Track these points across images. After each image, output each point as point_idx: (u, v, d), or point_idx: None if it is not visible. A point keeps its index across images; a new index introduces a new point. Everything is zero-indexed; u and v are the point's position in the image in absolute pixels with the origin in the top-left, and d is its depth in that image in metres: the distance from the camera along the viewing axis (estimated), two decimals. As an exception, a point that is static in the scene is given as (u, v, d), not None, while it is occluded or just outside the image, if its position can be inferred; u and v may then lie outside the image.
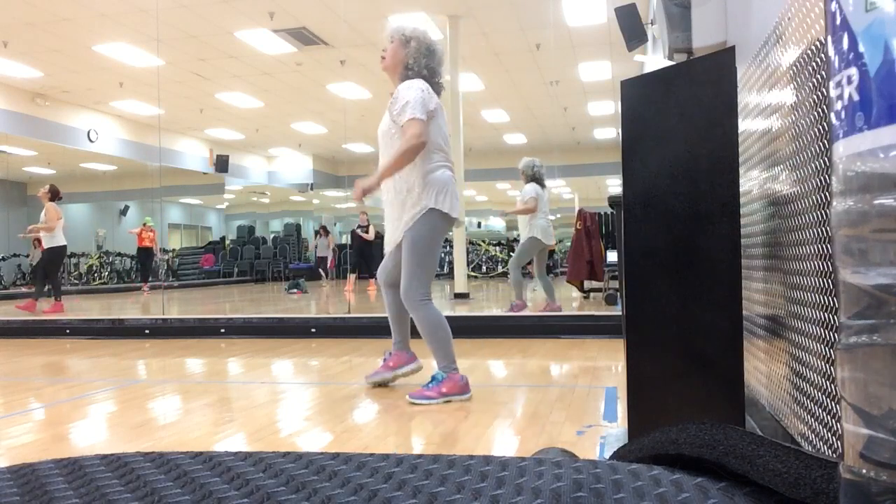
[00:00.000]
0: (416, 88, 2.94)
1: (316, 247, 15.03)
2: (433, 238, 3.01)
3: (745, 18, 2.12)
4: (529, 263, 7.09)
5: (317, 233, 15.17)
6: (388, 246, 3.14)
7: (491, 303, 8.58)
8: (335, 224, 17.82)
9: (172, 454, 0.37)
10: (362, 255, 12.33)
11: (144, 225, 13.31)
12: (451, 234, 13.95)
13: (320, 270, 14.56)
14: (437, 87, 3.08)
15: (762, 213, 1.85)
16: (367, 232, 11.87)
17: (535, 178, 6.43)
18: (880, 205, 0.22)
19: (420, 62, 3.03)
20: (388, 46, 3.08)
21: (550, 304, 6.44)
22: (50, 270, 8.11)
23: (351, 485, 0.31)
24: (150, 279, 13.49)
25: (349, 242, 13.58)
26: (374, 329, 5.31)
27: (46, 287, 8.12)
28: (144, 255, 13.33)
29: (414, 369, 3.31)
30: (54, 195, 8.13)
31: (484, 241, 16.82)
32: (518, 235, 9.40)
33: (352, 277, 12.25)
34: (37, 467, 0.36)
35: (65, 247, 8.22)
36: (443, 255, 17.60)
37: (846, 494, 0.24)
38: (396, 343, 3.30)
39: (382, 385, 3.31)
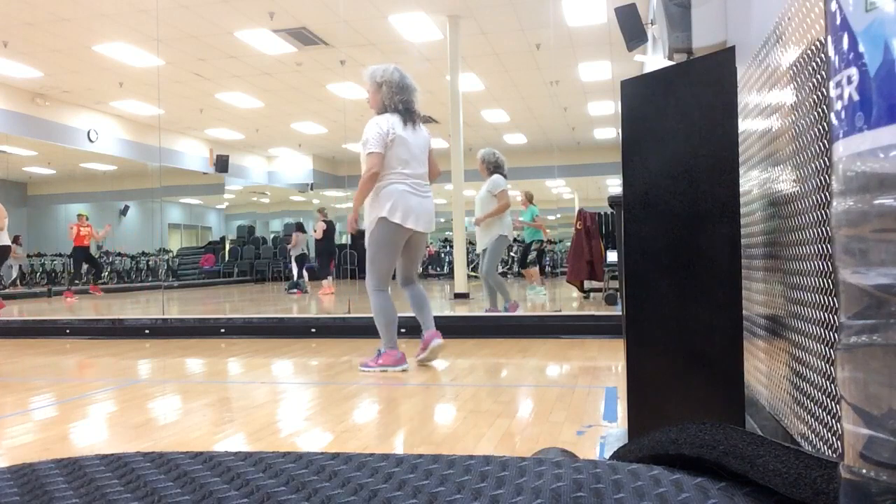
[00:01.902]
0: (374, 125, 3.63)
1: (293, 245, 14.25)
2: (381, 241, 3.68)
3: (745, 18, 2.12)
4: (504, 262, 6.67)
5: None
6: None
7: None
8: (335, 224, 17.77)
9: (172, 454, 0.37)
10: (321, 255, 11.69)
11: (79, 217, 11.44)
12: (449, 234, 13.96)
13: (293, 269, 13.77)
14: (411, 116, 3.73)
15: (762, 213, 1.85)
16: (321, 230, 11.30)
17: (498, 167, 5.92)
18: (880, 205, 0.22)
19: (394, 100, 3.67)
20: (368, 90, 3.74)
21: (493, 308, 6.06)
22: None
23: (351, 485, 0.31)
24: (77, 283, 11.87)
25: (348, 242, 13.26)
26: (374, 329, 5.30)
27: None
28: (80, 254, 11.46)
29: (438, 345, 3.92)
30: None
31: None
32: (519, 236, 9.13)
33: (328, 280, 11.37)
34: (37, 467, 0.36)
35: (9, 247, 7.80)
36: (443, 255, 17.64)
37: (846, 494, 0.24)
38: (423, 326, 3.93)
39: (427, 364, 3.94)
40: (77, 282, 11.96)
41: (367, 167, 3.60)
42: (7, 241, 7.71)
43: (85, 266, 12.16)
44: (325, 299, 9.81)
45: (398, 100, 3.68)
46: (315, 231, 11.48)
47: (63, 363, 4.55)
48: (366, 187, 3.64)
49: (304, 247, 13.35)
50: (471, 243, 15.44)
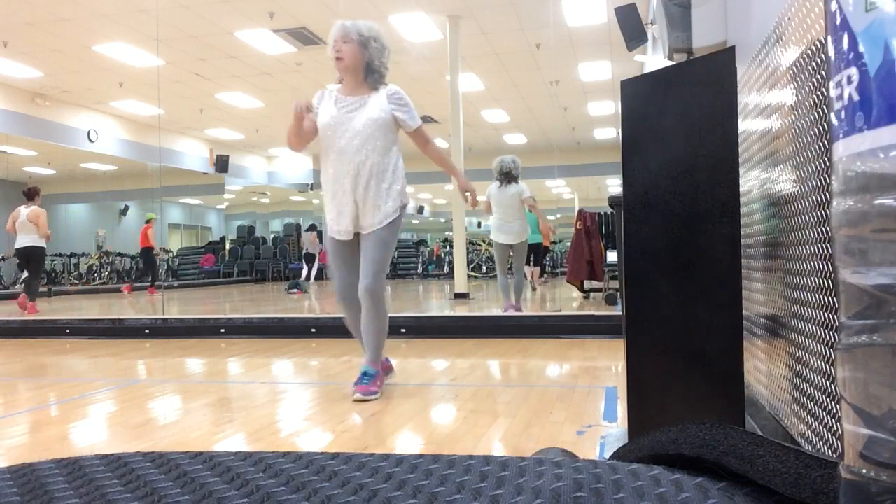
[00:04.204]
0: (404, 93, 3.15)
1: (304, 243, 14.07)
2: (398, 233, 3.18)
3: (745, 18, 2.12)
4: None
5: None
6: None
7: (491, 303, 8.58)
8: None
9: (172, 454, 0.37)
10: None
11: (149, 220, 12.30)
12: (449, 234, 13.92)
13: (305, 268, 13.61)
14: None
15: (762, 213, 1.85)
16: None
17: (500, 175, 6.37)
18: (880, 205, 0.22)
19: (382, 61, 3.11)
20: (341, 47, 3.05)
21: (506, 304, 6.46)
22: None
23: (351, 485, 0.31)
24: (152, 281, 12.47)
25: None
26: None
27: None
28: (147, 254, 12.27)
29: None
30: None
31: (484, 241, 16.83)
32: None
33: None
34: (37, 467, 0.36)
35: (44, 248, 8.37)
36: (443, 255, 17.64)
37: (846, 494, 0.24)
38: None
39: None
40: (144, 279, 12.43)
41: (429, 137, 3.22)
42: (44, 244, 8.14)
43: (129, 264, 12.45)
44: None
45: (387, 66, 3.15)
46: None
47: (63, 363, 4.55)
48: (446, 159, 3.29)
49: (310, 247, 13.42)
50: (471, 243, 15.37)
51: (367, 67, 3.09)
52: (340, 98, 3.13)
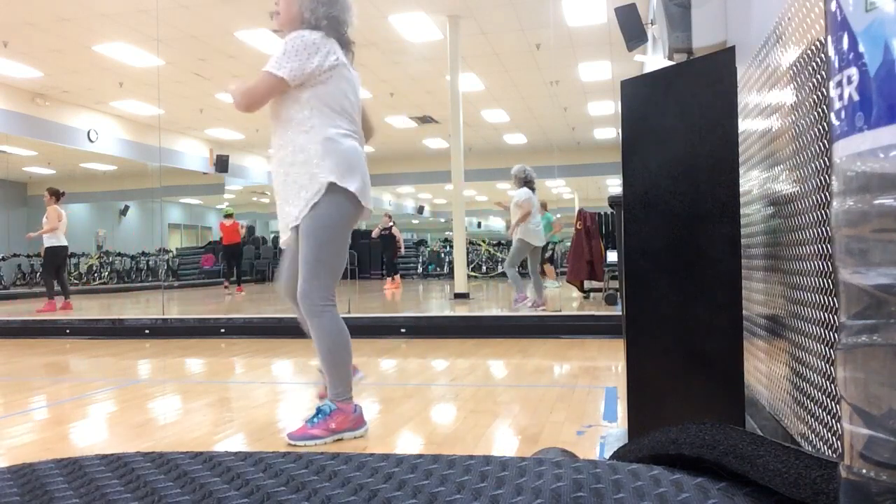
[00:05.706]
0: (297, 37, 2.35)
1: None
2: (337, 225, 2.37)
3: (745, 18, 2.12)
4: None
5: None
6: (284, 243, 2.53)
7: (491, 303, 8.58)
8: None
9: (172, 454, 0.37)
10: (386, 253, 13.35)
11: (228, 217, 12.03)
12: (449, 234, 13.94)
13: None
14: (345, 42, 2.50)
15: (762, 213, 1.85)
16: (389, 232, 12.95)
17: (527, 182, 6.91)
18: (880, 205, 0.22)
19: (317, 12, 2.41)
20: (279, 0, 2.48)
21: (535, 301, 6.86)
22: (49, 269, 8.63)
23: (351, 485, 0.31)
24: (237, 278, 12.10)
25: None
26: (373, 329, 5.31)
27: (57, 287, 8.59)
28: (232, 251, 12.12)
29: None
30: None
31: (484, 241, 16.85)
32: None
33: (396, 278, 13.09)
34: (37, 467, 0.36)
35: (66, 247, 8.68)
36: (443, 255, 17.65)
37: (846, 494, 0.24)
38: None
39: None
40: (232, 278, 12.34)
41: (257, 85, 2.39)
42: (65, 242, 8.49)
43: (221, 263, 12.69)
44: (395, 293, 10.71)
45: (324, 12, 2.42)
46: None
47: (63, 363, 4.55)
48: (244, 96, 2.41)
49: None
50: (471, 243, 15.40)
51: (300, 22, 2.43)
52: None
